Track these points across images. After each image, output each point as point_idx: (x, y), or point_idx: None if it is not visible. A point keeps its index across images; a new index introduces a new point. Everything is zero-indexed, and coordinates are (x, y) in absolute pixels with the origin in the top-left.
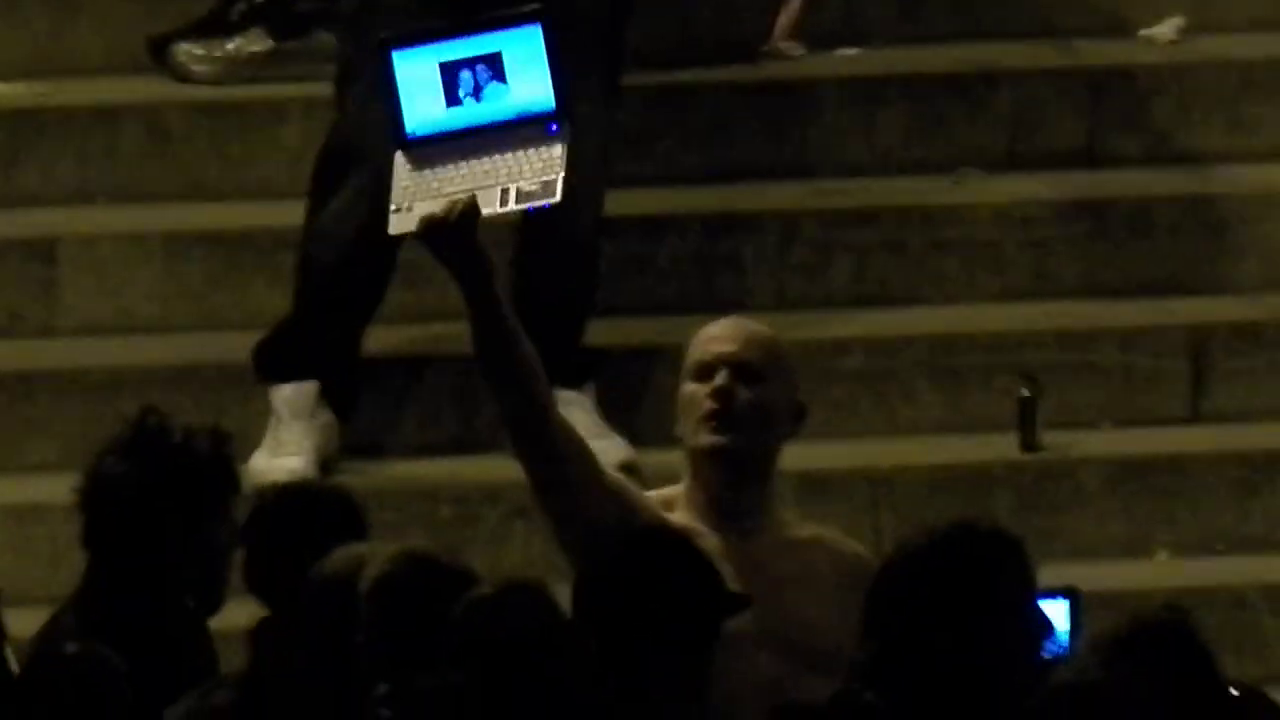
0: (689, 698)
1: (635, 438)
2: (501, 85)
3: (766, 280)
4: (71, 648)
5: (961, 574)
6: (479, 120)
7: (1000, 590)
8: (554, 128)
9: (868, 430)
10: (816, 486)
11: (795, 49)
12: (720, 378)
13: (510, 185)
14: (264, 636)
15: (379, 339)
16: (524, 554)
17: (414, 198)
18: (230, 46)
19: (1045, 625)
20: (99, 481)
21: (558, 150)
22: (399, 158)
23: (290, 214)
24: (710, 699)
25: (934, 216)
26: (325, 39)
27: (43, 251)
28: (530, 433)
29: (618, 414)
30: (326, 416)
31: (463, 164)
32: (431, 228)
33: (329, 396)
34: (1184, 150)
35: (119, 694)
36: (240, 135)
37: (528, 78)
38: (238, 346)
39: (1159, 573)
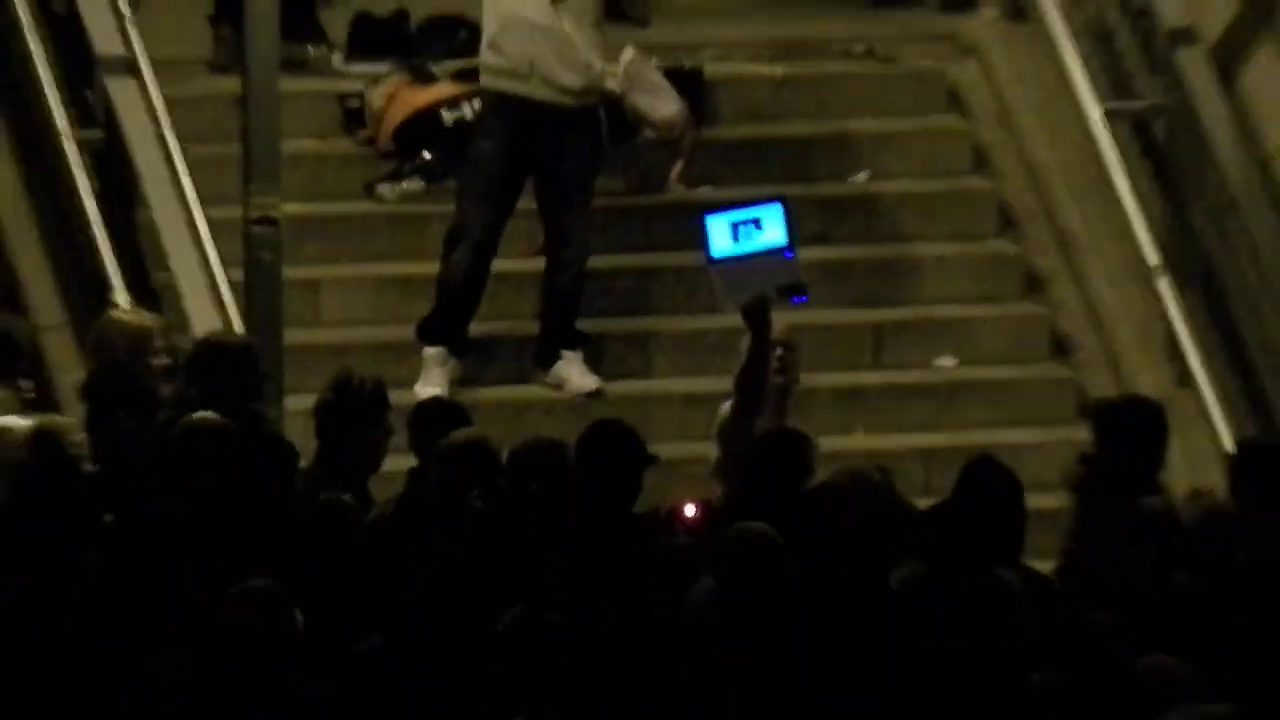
0: None
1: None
2: (759, 232)
3: (656, 299)
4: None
5: None
6: (750, 250)
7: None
8: (789, 254)
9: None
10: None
11: (680, 187)
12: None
13: (781, 284)
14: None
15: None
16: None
17: (732, 289)
18: (403, 186)
19: None
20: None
21: (796, 268)
22: (715, 268)
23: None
24: None
25: None
26: (451, 184)
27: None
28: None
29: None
30: (452, 362)
31: (751, 274)
32: (751, 310)
33: (454, 352)
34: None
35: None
36: (414, 227)
37: (773, 228)
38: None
39: (859, 441)
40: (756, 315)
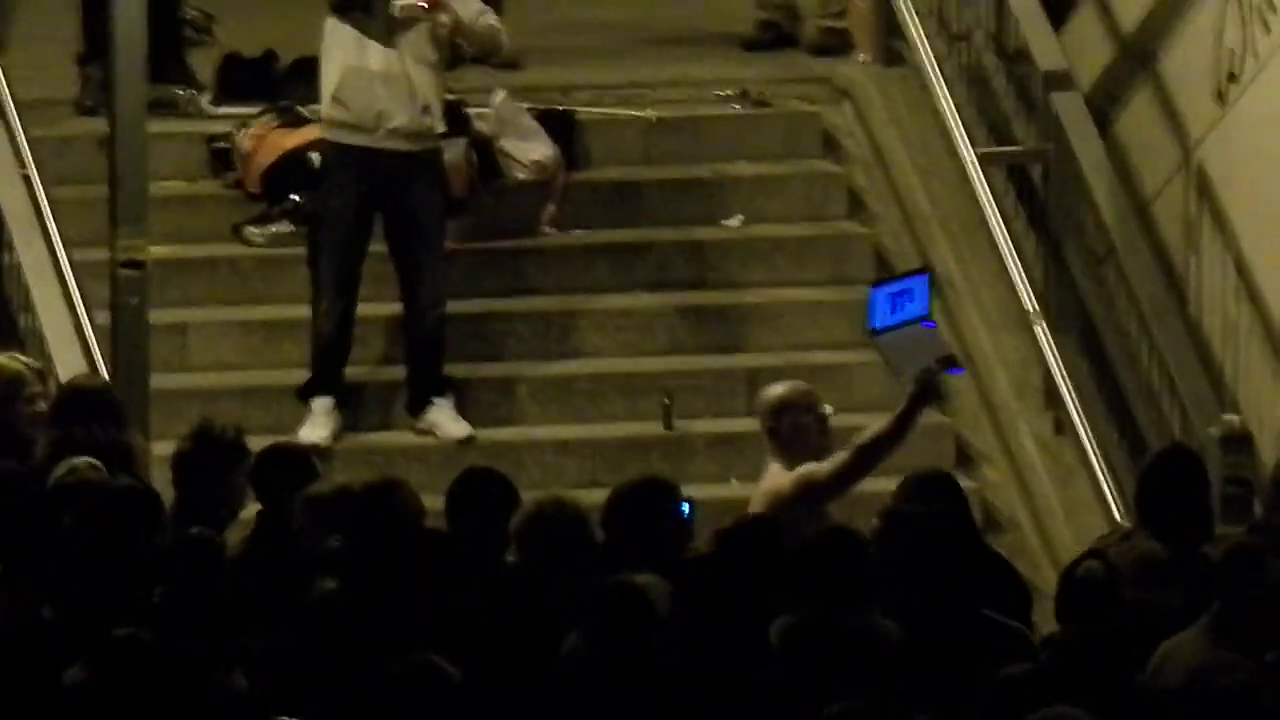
0: None
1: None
2: (912, 304)
3: (527, 344)
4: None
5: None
6: (904, 319)
7: None
8: (930, 324)
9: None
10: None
11: (551, 231)
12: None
13: (937, 354)
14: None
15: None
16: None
17: (898, 360)
18: (272, 229)
19: None
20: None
21: (941, 338)
22: (877, 339)
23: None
24: None
25: (614, 313)
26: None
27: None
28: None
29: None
30: (337, 411)
31: (908, 344)
32: (922, 381)
33: (339, 401)
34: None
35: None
36: (282, 270)
37: (921, 298)
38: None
39: (734, 488)
40: (928, 387)
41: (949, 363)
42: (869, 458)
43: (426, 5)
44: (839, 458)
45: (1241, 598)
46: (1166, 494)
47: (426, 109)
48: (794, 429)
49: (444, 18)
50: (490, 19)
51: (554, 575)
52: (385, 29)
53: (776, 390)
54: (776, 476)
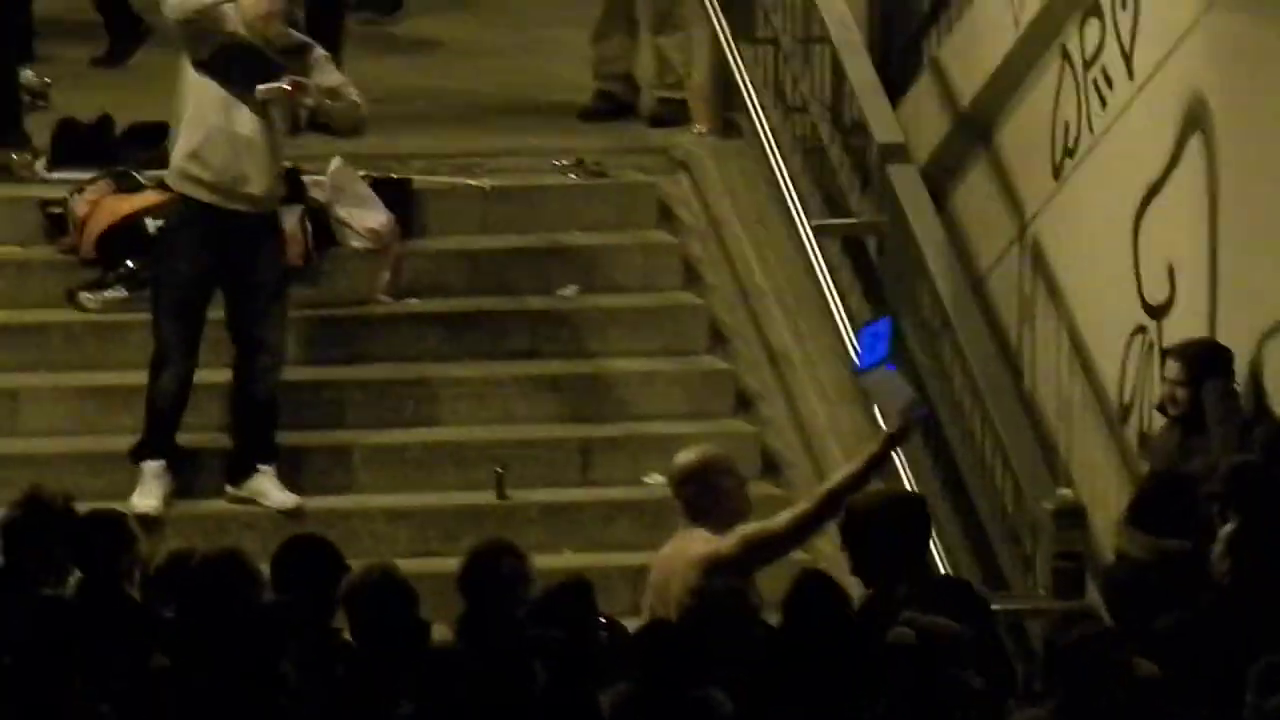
0: None
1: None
2: (880, 345)
3: (361, 412)
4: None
5: None
6: (873, 361)
7: None
8: (891, 367)
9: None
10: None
11: (386, 299)
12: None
13: (907, 396)
14: None
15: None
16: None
17: (879, 400)
18: (106, 295)
19: None
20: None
21: (902, 382)
22: (864, 377)
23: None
24: None
25: (447, 382)
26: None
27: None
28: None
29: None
30: (168, 475)
31: (882, 385)
32: (906, 422)
33: (170, 465)
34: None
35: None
36: (116, 336)
37: (884, 342)
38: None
39: (567, 559)
40: (905, 429)
41: (917, 405)
42: (835, 502)
43: (290, 87)
44: (796, 508)
45: (1087, 688)
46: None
47: (279, 174)
48: (717, 492)
49: (308, 100)
50: (351, 93)
51: (382, 643)
52: (252, 90)
53: (692, 455)
54: (707, 541)
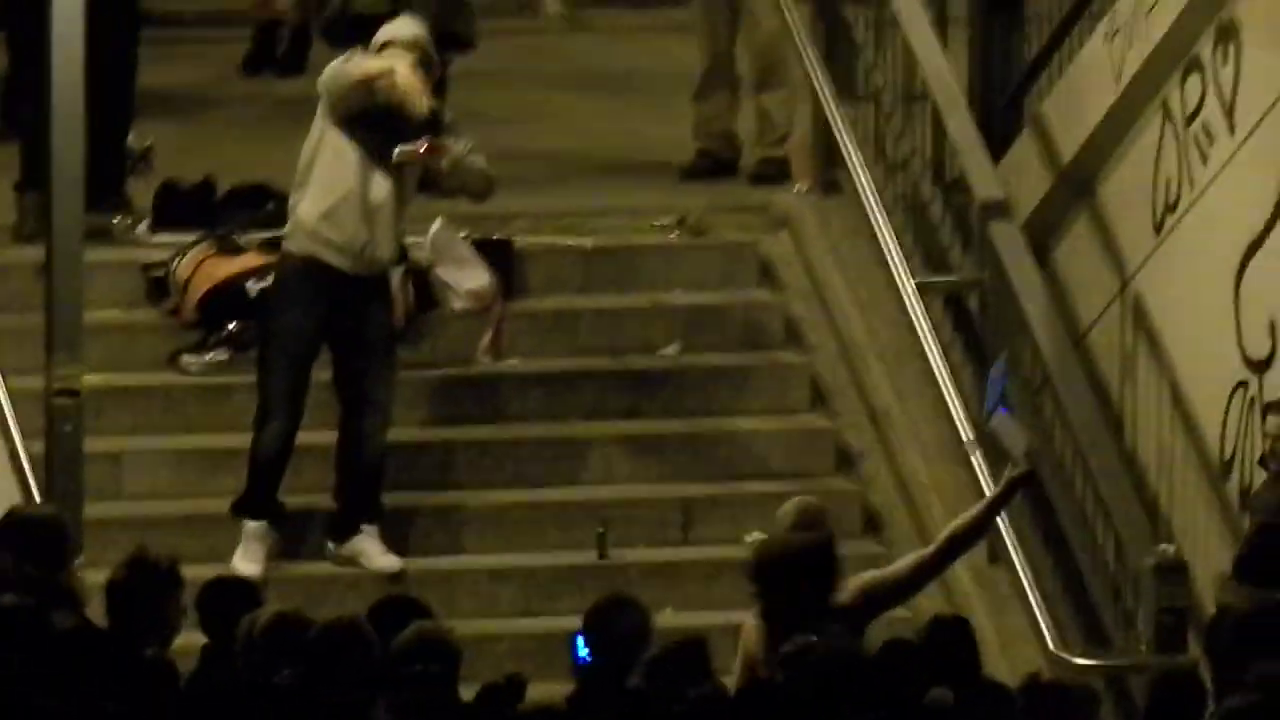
0: None
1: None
2: (998, 391)
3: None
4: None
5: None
6: (992, 405)
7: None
8: (1005, 410)
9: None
10: None
11: (488, 360)
12: None
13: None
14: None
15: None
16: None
17: (1007, 442)
18: (208, 357)
19: None
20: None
21: (1017, 425)
22: (990, 423)
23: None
24: None
25: (549, 442)
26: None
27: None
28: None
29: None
30: (273, 536)
31: (1006, 428)
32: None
33: (274, 525)
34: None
35: None
36: (218, 399)
37: (997, 384)
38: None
39: (670, 618)
40: (1028, 473)
41: (1034, 449)
42: (959, 547)
43: (425, 150)
44: (920, 554)
45: None
46: None
47: (399, 238)
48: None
49: (445, 164)
50: (479, 160)
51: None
52: (388, 154)
53: (790, 506)
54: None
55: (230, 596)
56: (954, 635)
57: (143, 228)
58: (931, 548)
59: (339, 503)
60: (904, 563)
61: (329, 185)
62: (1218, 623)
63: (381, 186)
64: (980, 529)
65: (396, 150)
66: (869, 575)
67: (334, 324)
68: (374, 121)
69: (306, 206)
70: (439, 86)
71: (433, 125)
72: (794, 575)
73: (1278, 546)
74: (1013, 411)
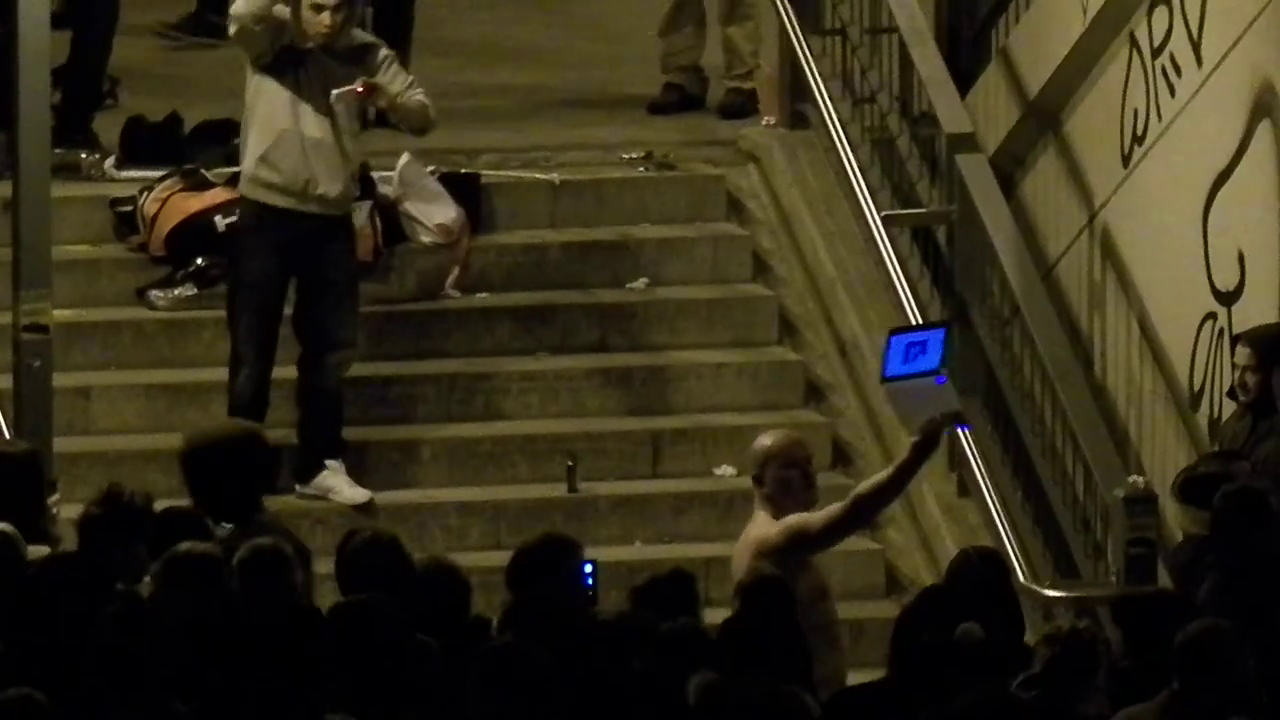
0: None
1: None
2: (924, 356)
3: (431, 407)
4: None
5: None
6: (915, 370)
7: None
8: (941, 380)
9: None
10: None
11: (456, 294)
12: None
13: (945, 410)
14: None
15: None
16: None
17: (905, 410)
18: (176, 292)
19: None
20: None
21: (952, 394)
22: (886, 387)
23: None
24: None
25: (517, 376)
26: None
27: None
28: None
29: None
30: None
31: (917, 396)
32: (926, 433)
33: None
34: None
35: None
36: (187, 334)
37: (934, 352)
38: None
39: (639, 551)
40: (930, 438)
41: (957, 418)
42: (867, 508)
43: (362, 90)
44: (833, 508)
45: (1201, 679)
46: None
47: (351, 175)
48: (778, 481)
49: (381, 102)
50: (419, 95)
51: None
52: (320, 91)
53: (764, 441)
54: (763, 525)
55: (180, 527)
56: (987, 570)
57: (110, 163)
58: (841, 508)
59: (302, 440)
60: (819, 516)
61: (264, 128)
62: (1178, 553)
63: (317, 123)
64: (886, 494)
65: (333, 94)
66: (795, 519)
67: (293, 264)
68: (297, 60)
69: (247, 152)
70: (399, 22)
71: (360, 56)
72: (231, 469)
73: (1222, 468)
74: (948, 380)
